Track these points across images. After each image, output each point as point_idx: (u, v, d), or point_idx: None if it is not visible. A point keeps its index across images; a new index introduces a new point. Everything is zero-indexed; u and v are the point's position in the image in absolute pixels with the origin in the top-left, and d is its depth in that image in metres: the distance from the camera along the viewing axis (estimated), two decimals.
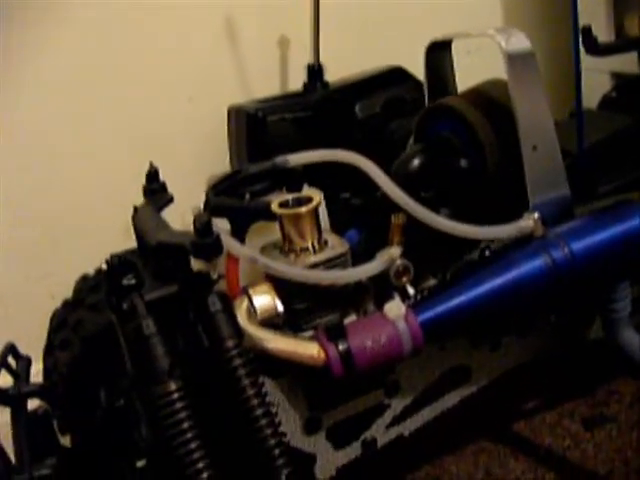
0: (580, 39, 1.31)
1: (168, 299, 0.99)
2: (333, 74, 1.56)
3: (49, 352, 1.19)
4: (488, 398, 1.25)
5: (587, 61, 1.58)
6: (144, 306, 0.98)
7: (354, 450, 1.14)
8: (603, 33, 1.74)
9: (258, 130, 1.43)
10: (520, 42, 1.11)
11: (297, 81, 1.57)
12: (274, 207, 1.07)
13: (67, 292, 1.25)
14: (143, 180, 1.16)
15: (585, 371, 1.49)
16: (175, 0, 1.58)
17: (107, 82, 1.56)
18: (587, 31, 1.39)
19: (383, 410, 1.14)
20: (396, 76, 1.53)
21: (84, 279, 1.28)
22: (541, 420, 1.44)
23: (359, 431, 1.14)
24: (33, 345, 1.22)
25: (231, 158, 1.50)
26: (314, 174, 1.24)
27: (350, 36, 1.70)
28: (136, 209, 1.13)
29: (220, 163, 1.52)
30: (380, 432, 1.15)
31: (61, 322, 1.21)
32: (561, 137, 1.22)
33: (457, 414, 1.21)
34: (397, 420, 1.16)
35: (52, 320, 1.23)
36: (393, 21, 1.75)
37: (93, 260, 1.17)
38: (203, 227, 0.96)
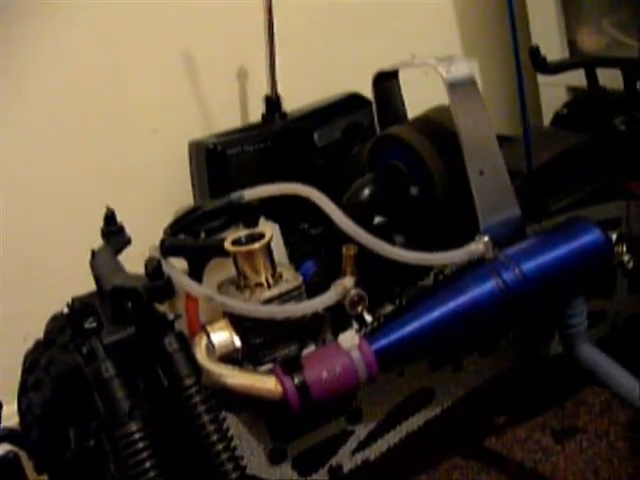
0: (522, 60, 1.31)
1: (126, 341, 1.02)
2: (292, 103, 1.59)
3: (23, 393, 1.21)
4: (459, 415, 1.26)
5: (544, 76, 1.61)
6: (103, 349, 1.00)
7: (321, 477, 1.15)
8: (557, 49, 1.77)
9: (218, 164, 1.45)
10: (460, 70, 1.14)
11: (257, 112, 1.60)
12: (227, 245, 1.09)
13: (39, 333, 1.26)
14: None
15: (555, 383, 1.51)
16: (135, 33, 1.61)
17: (70, 117, 1.58)
18: (535, 51, 1.42)
19: (347, 437, 1.16)
20: (354, 102, 1.56)
21: (54, 319, 1.30)
22: (512, 435, 1.46)
23: (325, 458, 1.15)
24: (6, 386, 1.24)
25: (194, 193, 1.52)
26: (273, 206, 1.26)
27: (307, 65, 1.73)
28: (94, 253, 1.15)
29: (186, 196, 1.54)
30: (346, 458, 1.16)
31: (33, 363, 1.22)
32: (512, 157, 1.25)
33: (428, 433, 1.23)
34: (362, 445, 1.17)
35: (25, 361, 1.25)
36: (349, 48, 1.78)
37: (65, 300, 1.18)
38: (154, 270, 0.98)
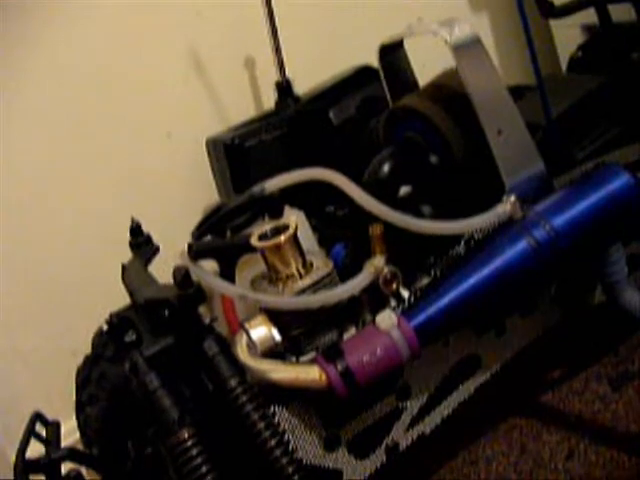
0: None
1: (167, 351, 1.03)
2: (305, 85, 1.58)
3: (80, 409, 1.23)
4: (512, 375, 1.25)
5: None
6: (144, 362, 1.01)
7: (378, 457, 1.16)
8: None
9: (238, 158, 1.45)
10: (464, 31, 1.11)
11: (270, 100, 1.59)
12: (253, 241, 1.08)
13: (87, 348, 1.28)
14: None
15: (605, 331, 1.48)
16: (138, 39, 1.61)
17: (87, 130, 1.58)
18: None
19: (399, 414, 1.16)
20: (365, 75, 1.53)
21: (99, 334, 1.32)
22: (568, 387, 1.44)
23: (380, 438, 1.15)
24: (60, 402, 1.26)
25: (219, 190, 1.52)
26: (296, 192, 1.25)
27: (313, 44, 1.71)
28: (124, 267, 1.16)
29: (210, 194, 1.54)
30: (401, 435, 1.16)
31: (85, 378, 1.24)
32: (530, 110, 1.22)
33: (482, 397, 1.22)
34: (416, 420, 1.17)
35: (77, 377, 1.27)
36: (351, 20, 1.75)
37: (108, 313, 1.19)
38: (182, 279, 0.99)
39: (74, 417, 1.20)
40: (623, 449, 1.29)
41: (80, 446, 1.18)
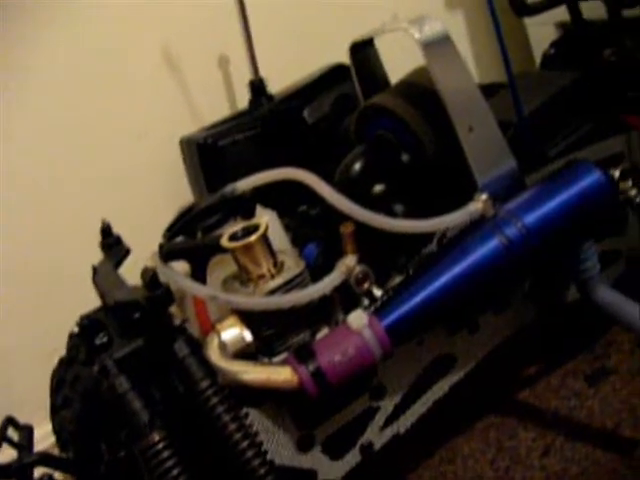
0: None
1: (137, 353, 1.02)
2: (278, 84, 1.57)
3: (54, 412, 1.22)
4: (488, 372, 1.25)
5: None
6: (114, 365, 1.00)
7: (353, 457, 1.15)
8: None
9: (211, 157, 1.44)
10: (434, 29, 1.11)
11: (244, 99, 1.58)
12: (224, 242, 1.08)
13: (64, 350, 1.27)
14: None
15: (581, 327, 1.48)
16: (112, 39, 1.59)
17: (59, 132, 1.57)
18: None
19: (373, 413, 1.15)
20: (339, 74, 1.52)
21: (73, 337, 1.31)
22: (545, 384, 1.44)
23: (354, 438, 1.15)
24: (34, 405, 1.25)
25: (193, 190, 1.51)
26: (269, 192, 1.25)
27: (286, 43, 1.71)
28: (95, 269, 1.15)
29: (185, 195, 1.53)
30: (375, 435, 1.16)
31: (60, 380, 1.24)
32: (502, 108, 1.22)
33: (458, 396, 1.22)
34: (390, 420, 1.17)
35: (52, 379, 1.26)
36: (325, 18, 1.75)
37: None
38: (151, 281, 0.98)
39: (48, 421, 1.19)
40: (599, 445, 1.29)
41: (54, 451, 1.17)
